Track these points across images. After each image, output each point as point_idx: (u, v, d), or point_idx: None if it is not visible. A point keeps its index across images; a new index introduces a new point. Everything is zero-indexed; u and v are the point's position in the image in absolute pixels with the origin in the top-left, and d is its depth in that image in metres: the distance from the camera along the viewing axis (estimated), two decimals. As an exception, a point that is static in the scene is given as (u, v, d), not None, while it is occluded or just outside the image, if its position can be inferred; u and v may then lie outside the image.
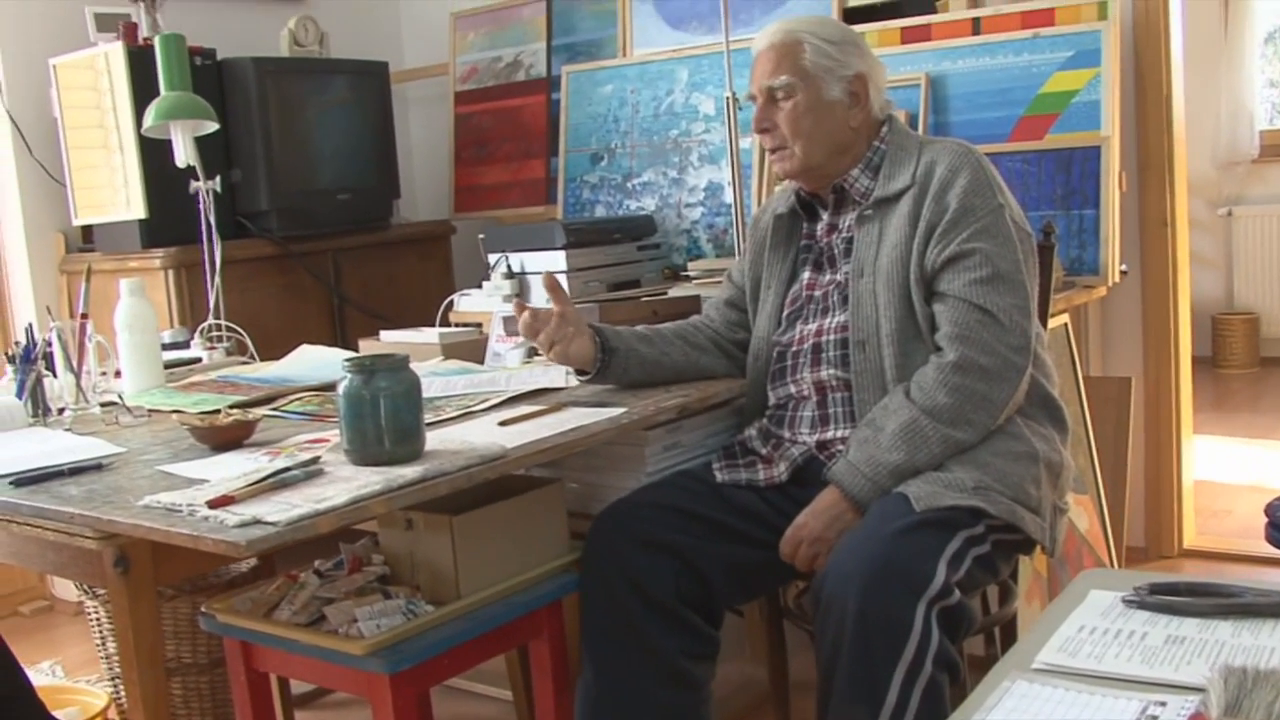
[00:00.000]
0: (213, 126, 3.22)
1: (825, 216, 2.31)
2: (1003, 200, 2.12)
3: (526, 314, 2.24)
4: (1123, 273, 3.39)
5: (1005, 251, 2.08)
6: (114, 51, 3.69)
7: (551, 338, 2.21)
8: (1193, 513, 3.85)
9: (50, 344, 2.51)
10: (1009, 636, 2.34)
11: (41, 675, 3.42)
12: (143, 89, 3.53)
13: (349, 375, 1.80)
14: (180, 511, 1.63)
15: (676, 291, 3.29)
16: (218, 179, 3.28)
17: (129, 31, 3.77)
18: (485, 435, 1.96)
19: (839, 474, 2.05)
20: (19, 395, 2.45)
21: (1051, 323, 3.10)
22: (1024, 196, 3.35)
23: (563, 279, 3.52)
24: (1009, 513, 1.97)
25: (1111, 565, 3.36)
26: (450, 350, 2.85)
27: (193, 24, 4.07)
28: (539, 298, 3.57)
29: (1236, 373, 6.60)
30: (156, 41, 3.18)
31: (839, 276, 2.23)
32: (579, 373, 2.29)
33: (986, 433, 2.04)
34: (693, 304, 2.82)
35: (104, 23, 3.93)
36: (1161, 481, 3.73)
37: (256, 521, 1.56)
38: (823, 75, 2.20)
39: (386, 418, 1.77)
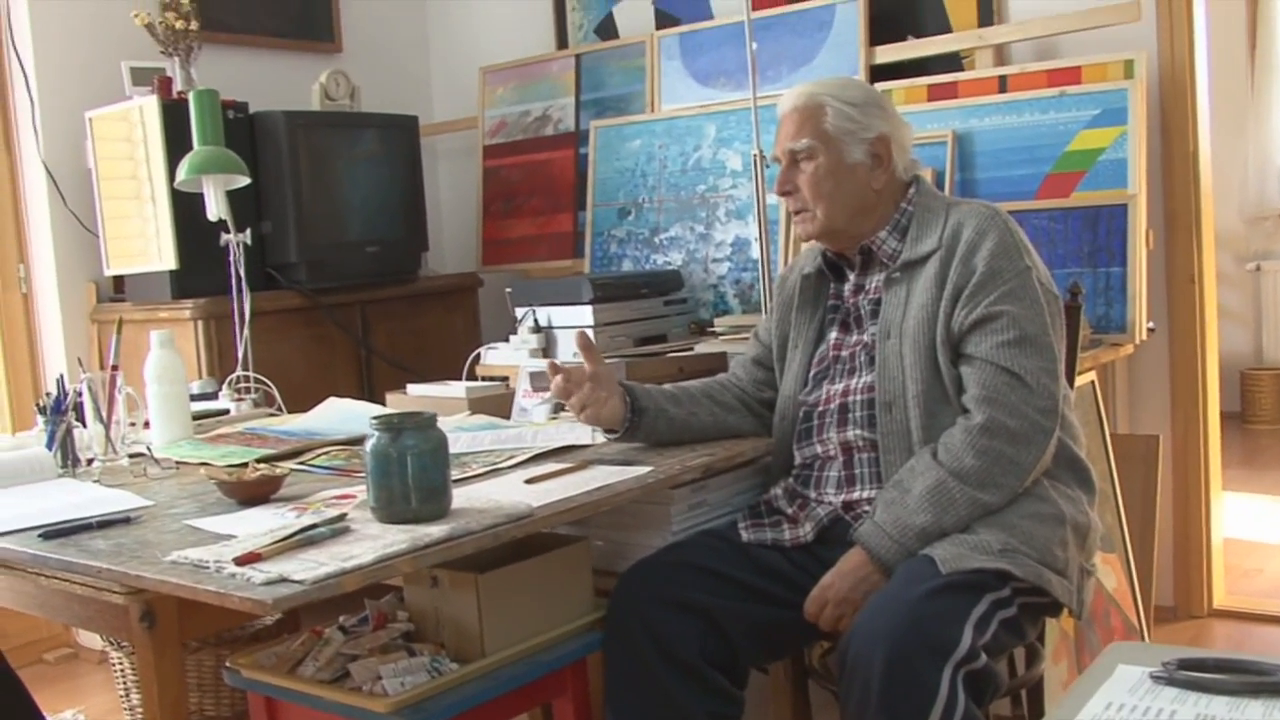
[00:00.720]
0: (244, 181, 3.25)
1: (852, 277, 2.31)
2: (1029, 262, 2.12)
3: (559, 377, 2.24)
4: (1150, 330, 3.39)
5: (1032, 314, 2.08)
6: (149, 105, 3.74)
7: (584, 401, 2.22)
8: (1222, 571, 3.82)
9: (80, 395, 2.53)
10: (1035, 699, 2.32)
11: (65, 725, 3.42)
12: (176, 141, 3.58)
13: (376, 433, 1.80)
14: (207, 568, 1.64)
15: (703, 348, 3.29)
16: (248, 231, 3.30)
17: (164, 85, 3.83)
18: (511, 493, 1.96)
19: (865, 535, 2.04)
20: (49, 446, 2.47)
21: (1078, 381, 3.09)
22: (1051, 254, 3.36)
23: (589, 334, 3.53)
24: (1035, 575, 1.96)
25: (1140, 625, 3.33)
26: (477, 405, 2.86)
27: (226, 78, 4.13)
28: (566, 352, 3.58)
29: (1266, 428, 6.55)
30: (190, 97, 3.22)
31: (866, 337, 2.23)
32: (606, 430, 2.29)
33: (1013, 495, 2.03)
34: (719, 360, 2.82)
35: (139, 76, 3.99)
36: (1190, 540, 3.71)
37: (283, 579, 1.56)
38: (844, 138, 2.22)
39: (413, 476, 1.78)
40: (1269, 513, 4.89)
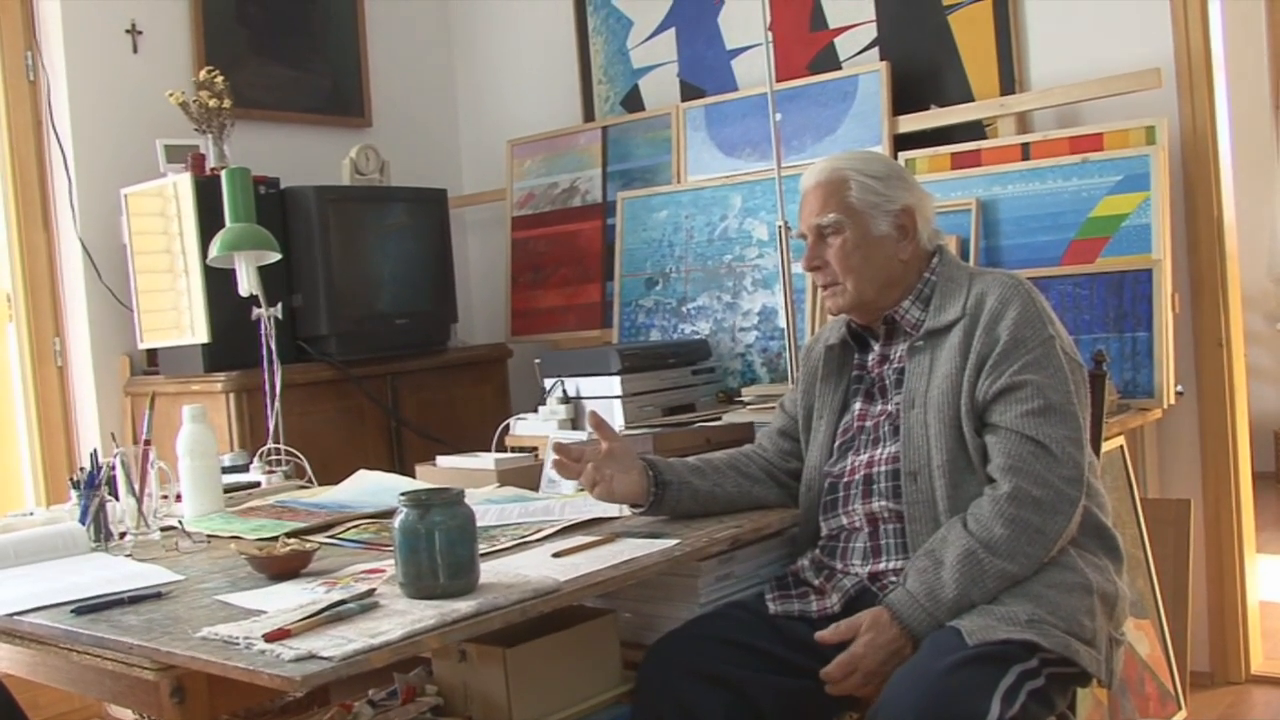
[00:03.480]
0: (275, 257, 3.29)
1: (876, 347, 2.32)
2: (1053, 331, 2.13)
3: (556, 460, 2.26)
4: (1179, 394, 3.38)
5: (1056, 383, 2.08)
6: (182, 181, 3.81)
7: (591, 479, 2.24)
8: (1259, 636, 3.77)
9: (114, 469, 2.56)
10: (1069, 769, 2.29)
11: (96, 798, 3.42)
12: (209, 217, 3.64)
13: (405, 509, 1.82)
14: (237, 644, 1.65)
15: (731, 417, 3.30)
16: (279, 305, 3.34)
17: (197, 162, 3.90)
18: (539, 567, 1.97)
19: (898, 604, 2.02)
20: (82, 520, 2.49)
21: (1106, 446, 3.09)
22: (1076, 320, 3.36)
23: (617, 404, 3.55)
24: (1063, 646, 1.95)
25: (1175, 692, 3.30)
26: (505, 477, 2.88)
27: (258, 153, 4.21)
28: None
29: (1301, 489, 6.48)
30: (223, 175, 3.28)
31: (890, 407, 2.24)
32: (632, 505, 2.30)
33: (1037, 565, 2.02)
34: (746, 430, 2.83)
35: (174, 154, 4.06)
36: (1225, 604, 3.67)
37: (312, 656, 1.57)
38: (870, 211, 2.24)
39: (441, 552, 1.78)
40: (1306, 576, 4.82)
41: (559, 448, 2.28)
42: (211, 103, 4.02)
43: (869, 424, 2.27)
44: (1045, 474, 2.03)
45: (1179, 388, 3.39)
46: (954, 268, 2.28)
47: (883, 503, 2.18)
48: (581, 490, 2.67)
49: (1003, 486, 2.04)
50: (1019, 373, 2.08)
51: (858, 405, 2.31)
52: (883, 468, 2.20)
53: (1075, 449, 2.06)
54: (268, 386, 3.37)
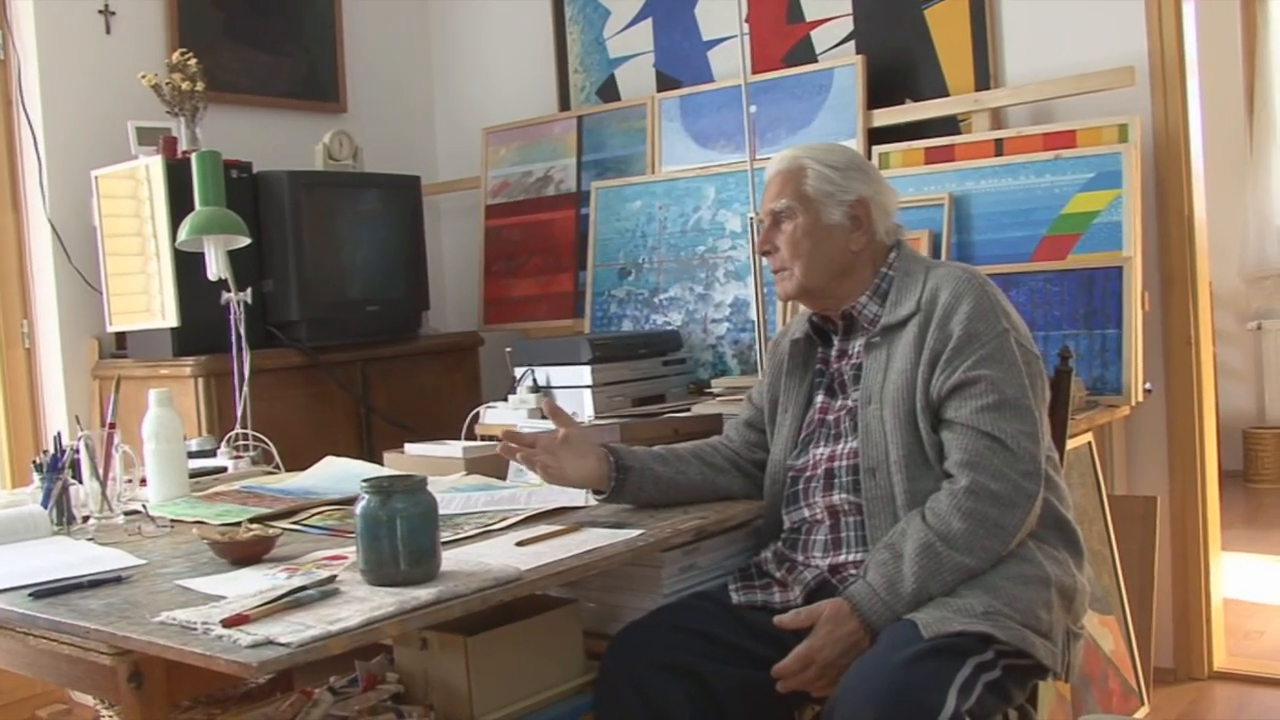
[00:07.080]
0: (244, 241, 3.28)
1: (836, 342, 2.33)
2: (1007, 325, 2.13)
3: (500, 446, 2.27)
4: (1147, 391, 3.39)
5: (1011, 377, 2.08)
6: (154, 164, 3.78)
7: (529, 463, 2.25)
8: (1222, 633, 3.80)
9: (78, 452, 2.54)
10: (1029, 763, 2.30)
11: (58, 783, 3.40)
12: (180, 201, 3.61)
13: (366, 495, 1.81)
14: (195, 630, 1.64)
15: (700, 409, 3.30)
16: (249, 290, 3.33)
17: (169, 145, 3.87)
18: (502, 556, 1.96)
19: (858, 596, 2.02)
20: (45, 503, 2.48)
21: (1074, 442, 3.10)
22: (1046, 316, 3.37)
23: (587, 394, 3.55)
24: (1019, 638, 1.95)
25: (1138, 688, 3.32)
26: (473, 465, 2.87)
27: (231, 137, 4.19)
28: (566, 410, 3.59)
29: (1269, 487, 6.52)
30: (193, 159, 3.26)
31: (850, 403, 2.24)
32: (595, 491, 2.30)
33: (996, 558, 2.03)
34: (714, 422, 2.83)
35: (145, 136, 4.03)
36: (1189, 601, 3.69)
37: (269, 642, 1.56)
38: (823, 199, 2.25)
39: (402, 539, 1.78)
40: (1271, 573, 4.86)
41: (509, 435, 2.28)
42: (185, 85, 3.99)
43: (830, 419, 2.28)
44: (1003, 468, 2.03)
45: (1148, 385, 3.41)
46: (911, 261, 2.28)
47: (843, 496, 2.18)
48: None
49: (960, 481, 2.04)
50: (973, 368, 2.08)
51: (820, 400, 2.32)
52: (843, 462, 2.20)
53: (1031, 443, 2.06)
54: (237, 372, 3.35)
